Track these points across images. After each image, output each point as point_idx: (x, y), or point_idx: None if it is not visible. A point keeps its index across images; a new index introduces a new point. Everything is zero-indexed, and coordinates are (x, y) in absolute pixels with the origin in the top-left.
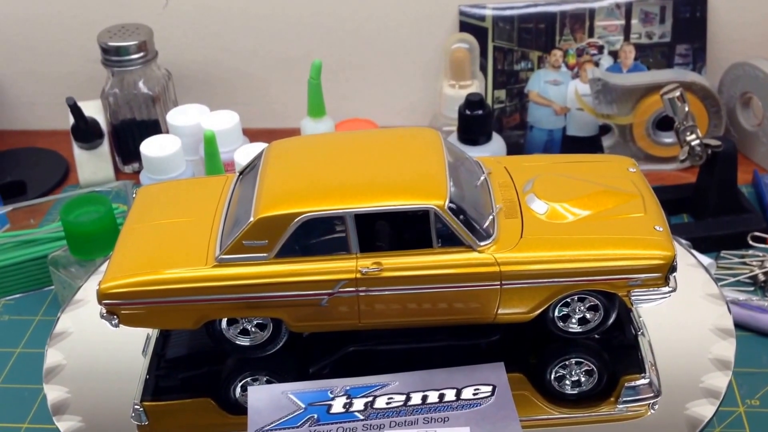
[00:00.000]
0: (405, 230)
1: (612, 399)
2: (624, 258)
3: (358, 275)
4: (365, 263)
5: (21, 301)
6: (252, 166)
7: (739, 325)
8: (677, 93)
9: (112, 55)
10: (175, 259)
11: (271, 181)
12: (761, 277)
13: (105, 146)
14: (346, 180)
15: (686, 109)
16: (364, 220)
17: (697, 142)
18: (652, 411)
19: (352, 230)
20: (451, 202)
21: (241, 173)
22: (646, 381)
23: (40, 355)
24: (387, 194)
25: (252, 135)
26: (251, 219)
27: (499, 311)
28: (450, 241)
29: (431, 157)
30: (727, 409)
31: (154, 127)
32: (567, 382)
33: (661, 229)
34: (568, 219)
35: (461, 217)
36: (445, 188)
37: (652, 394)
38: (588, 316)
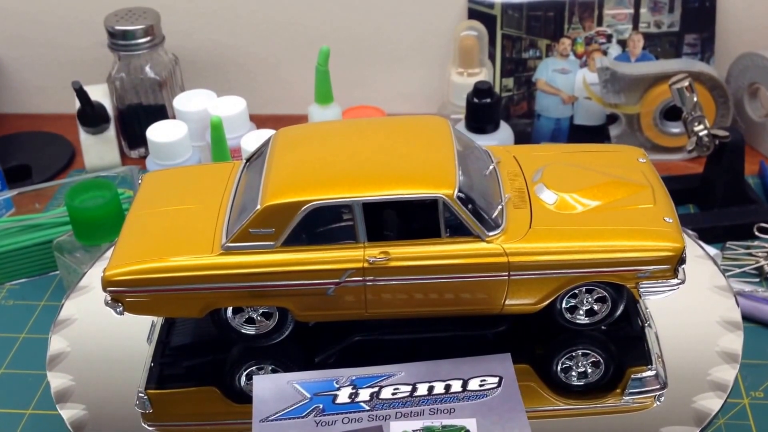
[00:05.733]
0: (413, 219)
1: (618, 390)
2: (633, 249)
3: (366, 265)
4: (372, 252)
5: (26, 286)
6: (259, 154)
7: (744, 317)
8: (686, 83)
9: (118, 39)
10: (181, 246)
11: (278, 169)
12: (766, 269)
13: (111, 131)
14: (353, 168)
15: (695, 99)
16: (372, 209)
17: (705, 132)
18: (658, 403)
19: (359, 219)
20: (459, 191)
21: (248, 160)
22: (653, 373)
23: (44, 341)
24: (395, 183)
25: (259, 121)
26: (258, 207)
27: (507, 302)
28: (458, 230)
29: (440, 146)
30: (732, 401)
31: (161, 112)
32: (573, 373)
33: (670, 221)
34: (577, 209)
35: (470, 206)
36: (453, 177)
37: (658, 386)
38: (595, 307)
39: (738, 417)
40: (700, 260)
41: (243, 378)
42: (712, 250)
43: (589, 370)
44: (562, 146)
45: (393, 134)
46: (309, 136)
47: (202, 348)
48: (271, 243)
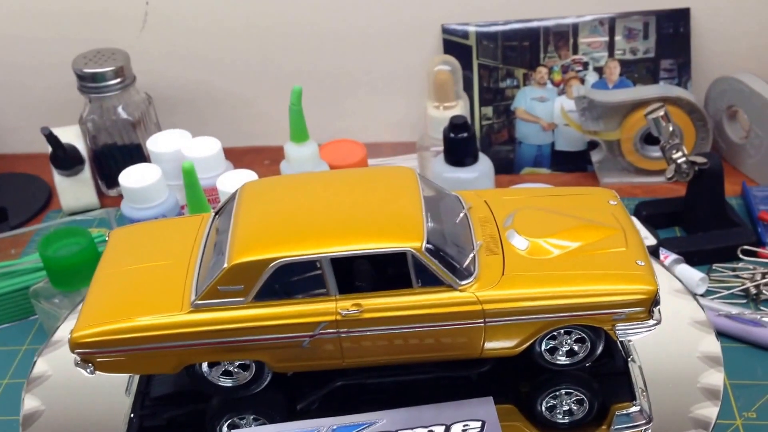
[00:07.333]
0: (384, 270)
1: (604, 427)
2: (606, 294)
3: (338, 317)
4: (345, 305)
5: (5, 332)
6: (226, 206)
7: (733, 338)
8: (661, 112)
9: (88, 82)
10: (150, 304)
11: (245, 225)
12: (752, 290)
13: (86, 172)
14: (320, 222)
15: (671, 128)
16: (342, 263)
17: (684, 159)
18: None
19: (329, 273)
20: (428, 242)
21: (216, 213)
22: (637, 408)
23: None
24: (363, 237)
25: (238, 154)
26: (225, 265)
27: (485, 347)
28: (430, 280)
29: (407, 197)
30: (725, 422)
31: (137, 151)
32: (558, 411)
33: (642, 264)
34: (550, 254)
35: (440, 257)
36: (421, 229)
37: (643, 421)
38: (575, 348)
39: None
40: (680, 295)
41: (224, 429)
42: (698, 274)
43: (574, 408)
44: (532, 190)
45: (360, 186)
46: (274, 190)
47: (183, 398)
48: (241, 299)
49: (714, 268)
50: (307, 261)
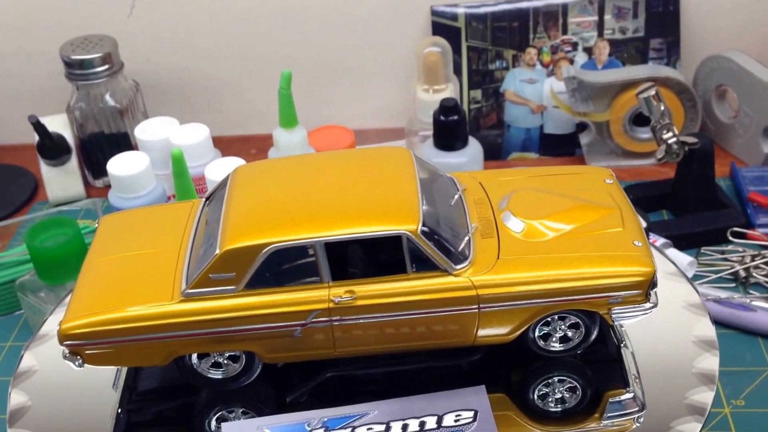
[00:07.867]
0: (378, 256)
1: (597, 415)
2: (603, 276)
3: (331, 305)
4: (338, 292)
5: None
6: (217, 192)
7: (722, 323)
8: (652, 92)
9: (75, 69)
10: (140, 294)
11: (237, 210)
12: (742, 273)
13: (73, 162)
14: (314, 206)
15: (662, 107)
16: (335, 248)
17: (674, 139)
18: (637, 425)
19: (322, 259)
20: (423, 225)
21: (207, 199)
22: (630, 395)
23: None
24: (357, 220)
25: (225, 143)
26: (217, 251)
27: (479, 334)
28: (425, 265)
29: (403, 179)
30: (713, 410)
31: (124, 140)
32: (550, 400)
33: (640, 244)
34: (545, 237)
35: (435, 240)
36: (417, 212)
37: (636, 408)
38: (569, 334)
39: (719, 427)
40: (673, 277)
41: (213, 422)
42: (687, 258)
43: (567, 396)
44: (528, 170)
45: (354, 168)
46: (267, 174)
47: (171, 392)
48: (233, 287)
49: (702, 251)
50: (300, 246)
